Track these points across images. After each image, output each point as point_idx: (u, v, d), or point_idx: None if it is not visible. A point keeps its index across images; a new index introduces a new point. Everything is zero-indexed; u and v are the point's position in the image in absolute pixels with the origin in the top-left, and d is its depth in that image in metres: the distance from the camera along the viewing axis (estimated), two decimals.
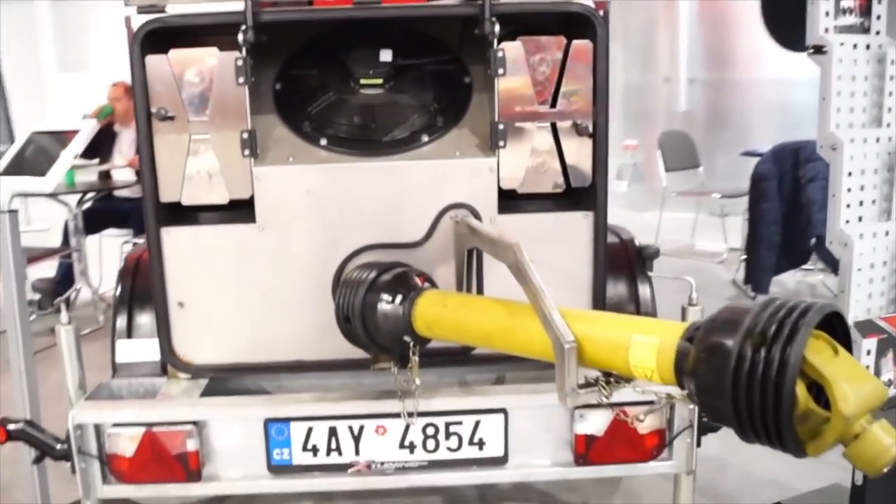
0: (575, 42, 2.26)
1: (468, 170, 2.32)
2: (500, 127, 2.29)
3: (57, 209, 5.57)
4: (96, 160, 5.89)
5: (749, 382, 1.18)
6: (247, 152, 2.25)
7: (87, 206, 5.64)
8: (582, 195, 2.37)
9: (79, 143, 3.89)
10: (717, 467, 3.34)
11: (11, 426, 2.13)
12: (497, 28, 2.19)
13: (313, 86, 2.43)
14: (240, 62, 2.20)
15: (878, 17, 2.50)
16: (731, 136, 7.97)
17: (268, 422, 2.22)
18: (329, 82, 2.42)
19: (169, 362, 2.37)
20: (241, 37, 2.15)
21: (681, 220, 7.44)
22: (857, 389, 1.15)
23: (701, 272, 6.53)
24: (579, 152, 2.33)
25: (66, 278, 5.49)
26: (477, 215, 2.32)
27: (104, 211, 5.82)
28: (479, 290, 2.33)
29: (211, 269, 2.32)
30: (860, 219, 2.51)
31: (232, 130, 2.25)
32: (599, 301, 2.39)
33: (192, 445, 2.17)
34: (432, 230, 2.31)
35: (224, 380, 2.42)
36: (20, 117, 8.39)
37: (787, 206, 5.56)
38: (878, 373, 2.49)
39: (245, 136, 2.25)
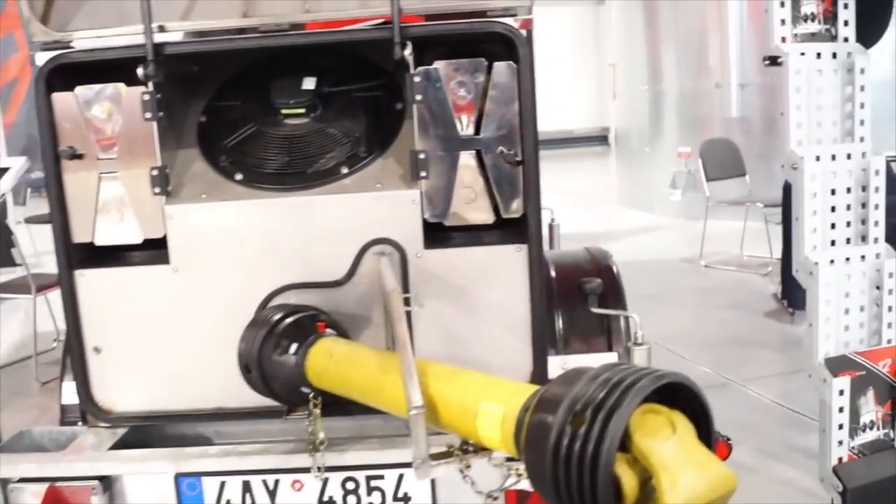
0: (497, 64, 2.11)
1: (390, 203, 2.18)
2: (421, 156, 2.14)
3: None
4: None
5: (567, 465, 1.01)
6: (157, 190, 2.16)
7: None
8: (514, 227, 2.21)
9: (7, 182, 3.82)
10: None
11: None
12: (408, 52, 2.05)
13: (235, 118, 2.33)
14: (146, 97, 2.11)
15: (846, 24, 2.28)
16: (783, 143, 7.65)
17: (178, 476, 2.10)
18: (251, 113, 2.31)
19: (87, 410, 2.28)
20: (140, 71, 2.06)
21: (731, 229, 7.16)
22: (689, 479, 0.97)
23: (743, 285, 6.27)
24: (508, 181, 2.17)
25: None
26: (402, 251, 2.18)
27: None
28: (409, 333, 2.19)
29: (127, 312, 2.23)
30: (833, 243, 2.28)
31: (143, 167, 2.16)
32: (539, 340, 2.22)
33: (97, 502, 2.06)
34: (354, 268, 2.18)
35: (146, 429, 2.31)
36: None
37: None
38: (855, 415, 2.25)
39: (155, 172, 2.15)
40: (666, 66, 9.05)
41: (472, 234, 2.24)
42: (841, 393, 2.18)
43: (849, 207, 2.27)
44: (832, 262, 2.21)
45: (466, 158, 2.16)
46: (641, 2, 9.24)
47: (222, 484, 2.10)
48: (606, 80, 10.91)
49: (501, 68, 2.11)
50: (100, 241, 2.21)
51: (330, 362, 1.77)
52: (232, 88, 2.37)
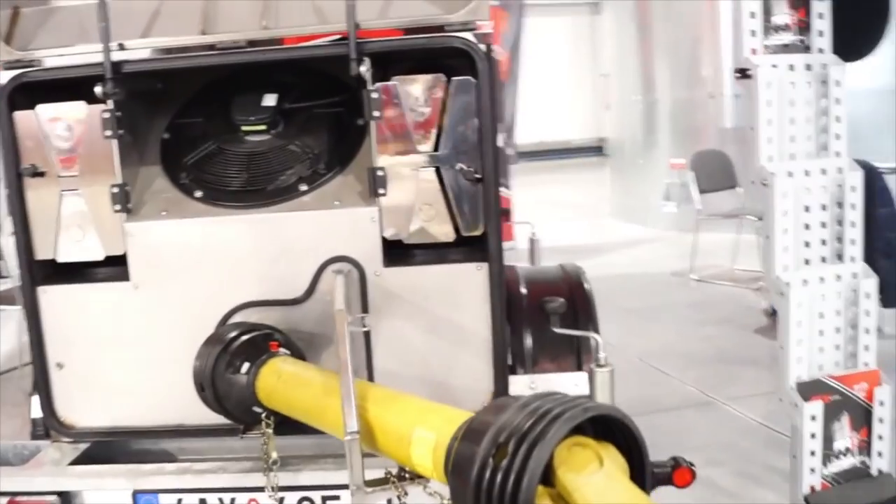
0: (455, 79, 2.08)
1: (349, 220, 2.16)
2: (379, 173, 2.12)
3: None
4: None
5: (488, 498, 1.01)
6: (118, 207, 2.16)
7: None
8: (476, 245, 2.17)
9: None
10: None
11: None
12: (365, 68, 2.03)
13: (197, 134, 2.32)
14: (106, 115, 2.11)
15: (821, 34, 2.21)
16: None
17: (136, 493, 2.10)
18: (213, 130, 2.31)
19: (49, 425, 2.28)
20: (98, 89, 2.06)
21: (723, 242, 7.03)
22: None
23: (734, 299, 6.13)
24: (467, 199, 2.14)
25: None
26: (361, 269, 2.16)
27: None
28: (367, 353, 2.17)
29: (89, 329, 2.23)
30: (807, 262, 2.21)
31: (104, 185, 2.16)
32: (500, 361, 2.18)
33: None
34: (313, 286, 2.16)
35: (109, 444, 2.32)
36: None
37: None
38: (829, 441, 2.17)
39: (115, 190, 2.15)
40: (659, 76, 8.90)
41: (432, 252, 2.21)
42: (813, 418, 2.11)
43: (824, 225, 2.19)
44: (805, 282, 2.14)
45: (425, 175, 2.13)
46: (635, 12, 9.11)
47: (179, 501, 2.09)
48: (602, 90, 10.80)
49: (459, 83, 2.08)
50: (61, 257, 2.22)
51: (278, 383, 1.76)
52: (196, 105, 2.37)
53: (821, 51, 2.20)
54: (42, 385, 2.26)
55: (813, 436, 2.10)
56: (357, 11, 2.06)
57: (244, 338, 1.95)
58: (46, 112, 2.16)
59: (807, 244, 2.17)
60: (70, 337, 2.25)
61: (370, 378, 2.19)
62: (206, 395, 1.95)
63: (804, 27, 2.19)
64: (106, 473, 2.14)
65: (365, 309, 2.18)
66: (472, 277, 2.16)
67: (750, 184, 2.15)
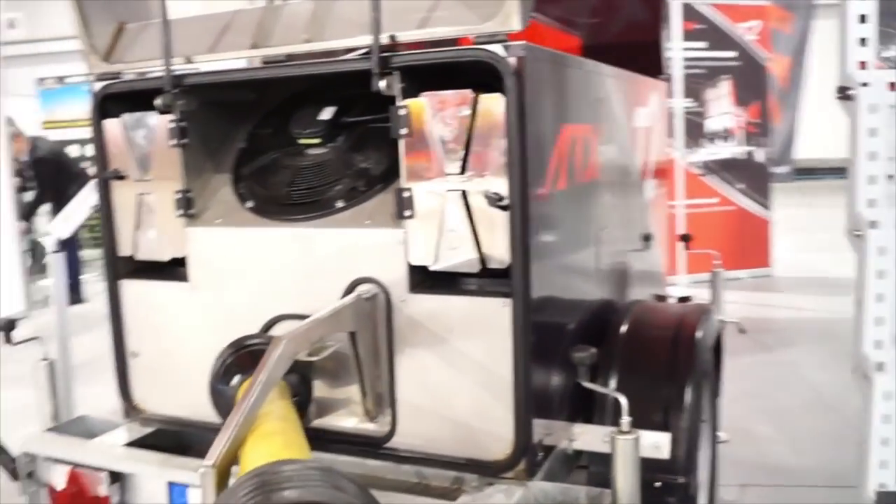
0: (482, 97, 1.89)
1: (376, 241, 2.07)
2: (406, 194, 2.01)
3: None
4: None
5: None
6: (180, 212, 2.28)
7: None
8: (504, 278, 1.97)
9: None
10: None
11: None
12: (385, 83, 1.92)
13: (264, 145, 2.37)
14: (171, 125, 2.24)
15: None
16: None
17: (170, 484, 2.21)
18: (276, 142, 2.34)
19: (124, 408, 2.49)
20: (158, 101, 2.18)
21: None
22: None
23: None
24: (493, 227, 1.94)
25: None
26: (387, 292, 2.06)
27: None
28: (391, 374, 2.08)
29: (157, 323, 2.39)
30: None
31: (171, 190, 2.29)
32: (522, 408, 1.96)
33: (103, 491, 2.24)
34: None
35: (175, 431, 2.46)
36: None
37: None
38: None
39: (178, 196, 2.28)
40: None
41: (459, 282, 2.05)
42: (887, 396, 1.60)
43: None
44: None
45: (452, 199, 1.97)
46: None
47: None
48: None
49: (487, 101, 1.89)
50: (138, 255, 2.39)
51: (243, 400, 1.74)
52: (273, 116, 2.42)
53: None
54: (120, 370, 2.46)
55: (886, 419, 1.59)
56: (393, 23, 1.96)
57: (242, 351, 1.95)
58: (128, 120, 2.33)
59: None
60: (143, 329, 2.42)
61: (392, 411, 2.10)
62: (211, 399, 1.99)
63: None
64: (146, 459, 2.27)
65: (390, 335, 2.08)
66: (496, 313, 1.96)
67: (847, 234, 1.70)
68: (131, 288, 2.43)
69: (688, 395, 2.35)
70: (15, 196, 7.10)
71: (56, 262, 2.85)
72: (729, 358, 5.22)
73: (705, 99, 8.44)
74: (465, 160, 1.94)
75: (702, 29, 8.17)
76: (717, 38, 8.28)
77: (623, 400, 1.81)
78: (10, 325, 2.31)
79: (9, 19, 10.63)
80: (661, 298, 3.96)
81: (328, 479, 1.04)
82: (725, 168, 8.52)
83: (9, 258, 6.45)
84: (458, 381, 2.03)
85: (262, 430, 1.47)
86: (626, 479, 1.80)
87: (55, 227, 2.95)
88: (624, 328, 2.56)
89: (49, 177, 7.84)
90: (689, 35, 7.87)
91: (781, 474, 3.58)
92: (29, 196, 7.98)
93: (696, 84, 8.17)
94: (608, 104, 2.68)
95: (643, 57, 3.79)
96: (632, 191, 3.23)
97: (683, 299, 3.93)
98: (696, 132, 8.20)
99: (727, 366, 4.89)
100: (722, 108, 8.54)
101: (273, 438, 1.46)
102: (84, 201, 2.99)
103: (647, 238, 3.53)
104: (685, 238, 4.14)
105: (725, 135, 8.62)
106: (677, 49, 7.47)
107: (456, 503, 1.93)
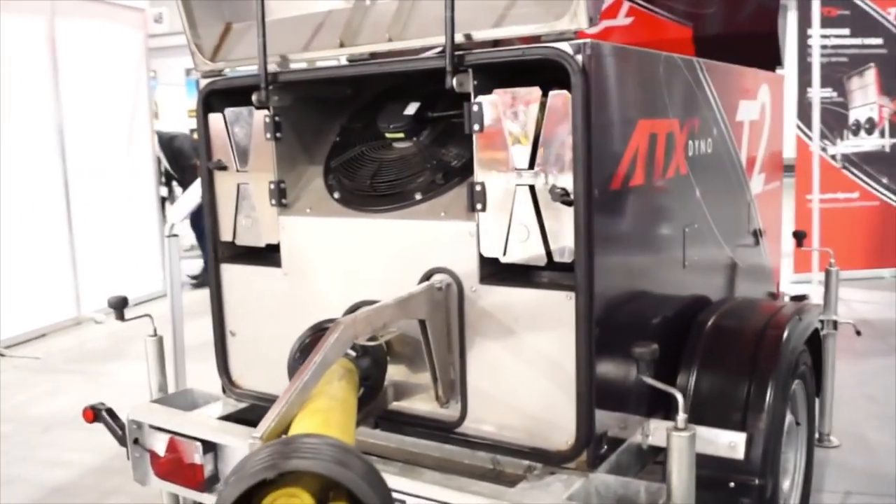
0: (551, 94, 1.92)
1: (450, 233, 2.14)
2: (477, 188, 2.06)
3: None
4: None
5: None
6: (273, 202, 2.43)
7: None
8: (570, 272, 1.99)
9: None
10: None
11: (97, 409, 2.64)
12: (458, 81, 1.98)
13: (354, 139, 2.48)
14: (266, 119, 2.39)
15: None
16: None
17: None
18: (365, 136, 2.45)
19: (223, 383, 2.68)
20: (254, 97, 2.33)
21: None
22: None
23: None
24: (559, 221, 1.96)
25: None
26: (459, 283, 2.13)
27: None
28: (462, 361, 2.14)
29: (253, 305, 2.56)
30: None
31: (266, 181, 2.45)
32: (585, 401, 1.98)
33: (198, 459, 2.42)
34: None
35: (267, 407, 2.62)
36: None
37: None
38: None
39: (272, 186, 2.43)
40: None
41: (527, 274, 2.09)
42: None
43: None
44: None
45: (520, 193, 2.01)
46: None
47: None
48: None
49: (555, 98, 1.91)
50: (238, 241, 2.57)
51: None
52: (365, 111, 2.53)
53: None
54: (219, 348, 2.66)
55: None
56: (468, 22, 2.02)
57: (319, 334, 2.06)
58: (230, 115, 2.50)
59: None
60: (240, 310, 2.60)
61: (463, 397, 2.16)
62: (290, 377, 2.12)
63: None
64: (236, 432, 2.44)
65: (461, 324, 2.15)
66: (561, 306, 1.99)
67: None
68: (231, 272, 2.61)
69: (769, 395, 2.28)
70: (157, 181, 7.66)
71: (170, 246, 3.10)
72: (853, 361, 4.93)
73: (849, 89, 7.95)
74: (533, 155, 1.97)
75: (844, 15, 7.69)
76: (861, 24, 7.77)
77: (679, 396, 1.79)
78: (122, 303, 2.52)
79: (156, 14, 11.41)
80: (773, 296, 3.81)
81: (337, 455, 1.12)
82: (868, 161, 8.00)
83: (150, 242, 7.00)
84: (524, 371, 2.07)
85: (310, 407, 1.57)
86: (680, 475, 1.78)
87: (171, 213, 3.19)
88: (709, 325, 2.51)
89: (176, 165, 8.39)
90: (831, 21, 7.44)
91: (893, 486, 3.37)
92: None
93: (838, 73, 7.72)
94: (700, 98, 2.61)
95: (758, 49, 3.65)
96: (734, 186, 3.13)
97: (797, 298, 3.77)
98: (837, 123, 7.76)
99: (848, 369, 4.63)
100: (866, 97, 8.02)
101: (316, 416, 1.56)
102: (196, 189, 3.22)
103: (755, 234, 3.42)
104: (798, 236, 3.94)
105: (869, 126, 8.09)
106: (815, 37, 7.10)
107: (515, 489, 1.98)
